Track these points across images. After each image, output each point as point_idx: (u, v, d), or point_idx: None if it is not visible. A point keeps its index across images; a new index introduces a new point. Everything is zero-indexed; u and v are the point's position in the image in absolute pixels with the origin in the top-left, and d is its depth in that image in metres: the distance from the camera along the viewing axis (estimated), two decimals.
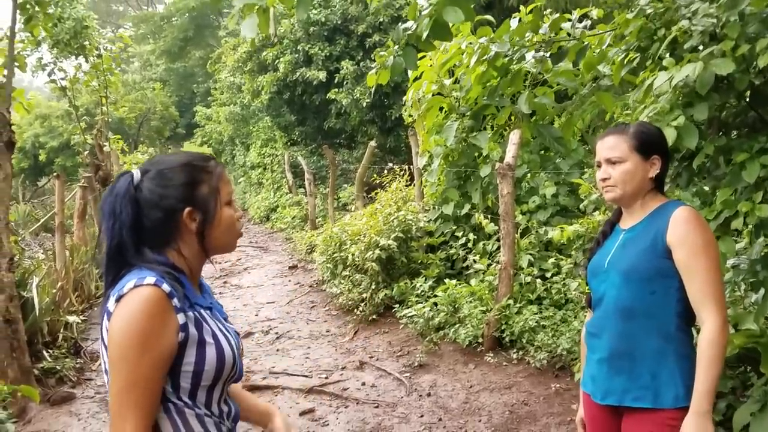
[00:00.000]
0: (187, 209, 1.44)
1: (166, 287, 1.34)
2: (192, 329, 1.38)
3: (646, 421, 1.87)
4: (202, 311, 1.44)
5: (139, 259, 1.39)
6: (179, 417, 1.39)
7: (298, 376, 5.10)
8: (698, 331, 1.81)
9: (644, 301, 1.87)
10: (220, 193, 1.49)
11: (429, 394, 4.51)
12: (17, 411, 4.18)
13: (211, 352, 1.40)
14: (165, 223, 1.43)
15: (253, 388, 4.84)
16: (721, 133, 2.50)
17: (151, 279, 1.34)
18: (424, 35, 2.69)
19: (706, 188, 2.53)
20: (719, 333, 1.77)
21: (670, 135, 2.27)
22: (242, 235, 1.57)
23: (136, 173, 1.44)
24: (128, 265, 1.39)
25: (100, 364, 5.09)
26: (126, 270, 1.39)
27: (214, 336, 1.43)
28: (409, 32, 2.83)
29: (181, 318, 1.36)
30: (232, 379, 1.50)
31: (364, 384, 4.82)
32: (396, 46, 3.01)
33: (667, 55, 2.49)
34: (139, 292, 1.32)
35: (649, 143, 1.93)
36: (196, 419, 1.42)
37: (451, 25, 2.84)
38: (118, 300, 1.33)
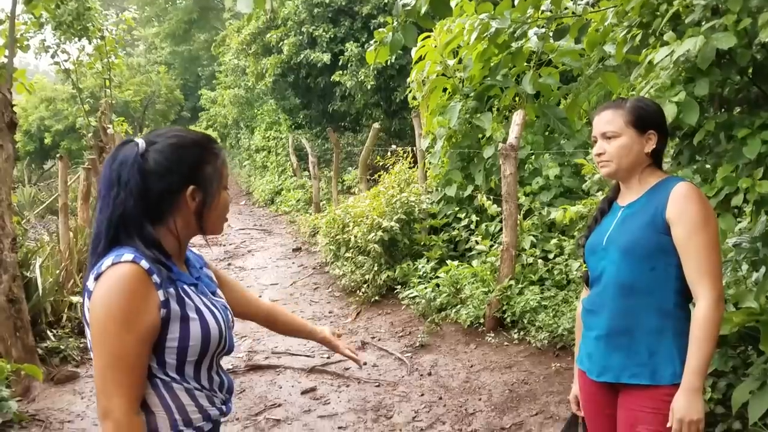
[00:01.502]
0: (191, 188, 1.43)
1: (144, 264, 1.33)
2: (174, 305, 1.38)
3: (644, 398, 1.86)
4: (185, 287, 1.43)
5: (135, 235, 1.37)
6: (167, 392, 1.40)
7: (300, 356, 5.13)
8: None
9: (644, 277, 1.86)
10: (221, 176, 1.49)
11: (430, 374, 4.52)
12: (21, 390, 4.22)
13: (195, 328, 1.40)
14: (166, 197, 1.42)
15: (256, 368, 4.88)
16: (722, 110, 2.47)
17: (129, 256, 1.33)
18: (423, 10, 2.66)
19: (708, 165, 2.50)
20: (713, 310, 1.75)
21: (670, 111, 2.25)
22: (227, 220, 1.57)
23: (141, 143, 1.42)
24: (118, 242, 1.38)
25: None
26: (111, 250, 1.37)
27: (198, 311, 1.42)
28: (408, 8, 2.80)
29: (161, 294, 1.35)
30: (221, 353, 1.50)
31: (365, 364, 4.84)
32: (395, 23, 2.99)
33: (669, 30, 2.45)
34: (117, 269, 1.32)
35: (645, 118, 1.90)
36: (186, 393, 1.42)
37: (453, 2, 2.81)
38: (97, 278, 1.33)
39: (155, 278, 1.34)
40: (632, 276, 1.87)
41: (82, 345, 5.10)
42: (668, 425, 1.79)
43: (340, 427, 3.85)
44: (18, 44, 5.07)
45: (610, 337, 1.92)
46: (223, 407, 1.51)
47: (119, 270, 1.31)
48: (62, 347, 4.93)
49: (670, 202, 1.83)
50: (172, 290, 1.38)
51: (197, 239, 1.56)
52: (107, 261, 1.33)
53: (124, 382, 1.31)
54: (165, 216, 1.43)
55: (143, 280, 1.32)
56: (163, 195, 1.41)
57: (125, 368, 1.31)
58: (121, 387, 1.30)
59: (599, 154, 1.94)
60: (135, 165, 1.38)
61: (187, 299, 1.41)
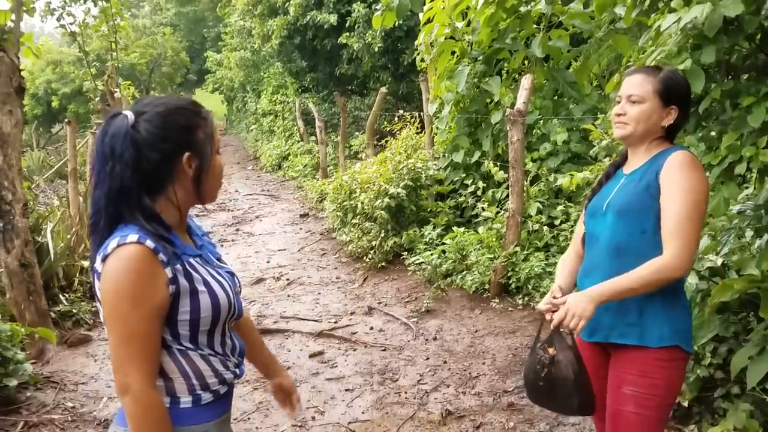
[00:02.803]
0: (186, 154, 1.43)
1: (150, 243, 1.34)
2: (182, 281, 1.40)
3: (631, 360, 1.91)
4: (191, 260, 1.45)
5: (135, 209, 1.38)
6: (184, 359, 1.44)
7: (308, 320, 5.21)
8: (701, 277, 1.80)
9: (635, 239, 1.89)
10: (213, 140, 1.49)
11: (435, 338, 4.60)
12: (35, 352, 4.32)
13: (205, 300, 1.43)
14: (163, 166, 1.41)
15: (265, 332, 4.96)
16: (729, 77, 2.45)
17: (134, 236, 1.34)
18: None
19: (713, 133, 2.50)
20: (670, 270, 1.79)
21: None
22: (220, 185, 1.56)
23: (130, 114, 1.41)
24: (121, 219, 1.38)
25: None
26: (113, 227, 1.38)
27: (206, 283, 1.45)
28: None
29: (169, 272, 1.37)
30: (232, 319, 1.54)
31: (372, 328, 4.92)
32: None
33: None
34: (123, 250, 1.33)
35: (672, 92, 1.92)
36: (201, 359, 1.46)
37: None
38: (104, 260, 1.35)
39: (161, 256, 1.35)
40: (624, 238, 1.92)
41: (94, 309, 5.20)
42: (545, 309, 1.94)
43: (347, 390, 3.93)
44: (24, 8, 5.03)
45: None
46: (237, 370, 1.56)
47: (125, 251, 1.33)
48: (74, 311, 5.04)
49: (664, 167, 1.87)
50: (179, 266, 1.40)
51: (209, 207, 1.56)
52: (113, 242, 1.34)
53: (139, 358, 1.35)
54: (165, 186, 1.44)
55: (150, 260, 1.34)
56: (159, 164, 1.41)
57: (138, 346, 1.34)
58: (136, 364, 1.35)
59: (619, 114, 1.96)
60: (127, 136, 1.37)
61: (194, 273, 1.43)
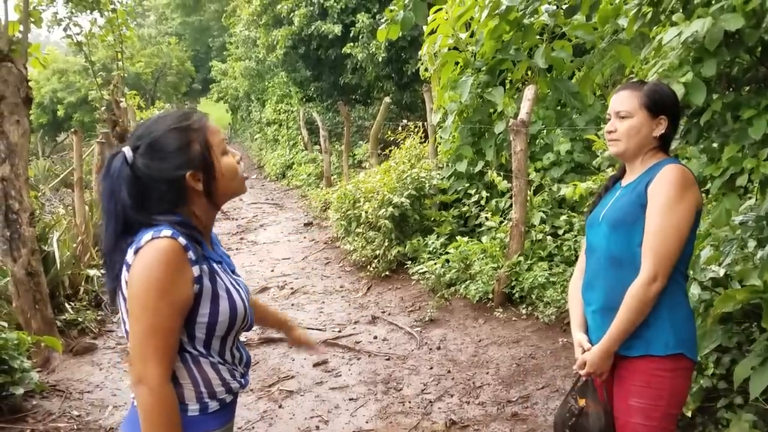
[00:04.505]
0: (189, 173, 1.46)
1: (182, 240, 1.39)
2: (206, 282, 1.44)
3: (636, 371, 1.93)
4: (214, 265, 1.50)
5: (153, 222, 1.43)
6: (195, 365, 1.48)
7: (312, 329, 5.22)
8: (704, 287, 1.81)
9: (630, 251, 1.92)
10: (212, 146, 1.50)
11: (439, 348, 4.60)
12: (41, 361, 4.34)
13: (224, 305, 1.47)
14: (171, 191, 1.46)
15: (269, 341, 4.97)
16: (730, 89, 2.47)
17: (167, 232, 1.39)
18: None
19: (715, 144, 2.52)
20: (644, 287, 1.84)
21: (677, 91, 2.26)
22: (248, 177, 1.60)
23: (128, 151, 1.45)
24: (142, 226, 1.43)
25: (119, 316, 5.23)
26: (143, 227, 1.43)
27: (227, 290, 1.49)
28: None
29: (195, 270, 1.41)
30: (243, 329, 1.58)
31: (376, 337, 4.93)
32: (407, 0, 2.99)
33: (680, 9, 2.45)
34: (156, 243, 1.38)
35: (659, 102, 1.95)
36: (211, 367, 1.50)
37: None
38: (136, 252, 1.39)
39: (191, 254, 1.40)
40: (619, 250, 1.94)
41: (99, 318, 5.22)
42: (579, 370, 1.99)
43: (351, 399, 3.94)
44: (32, 18, 5.08)
45: (605, 311, 1.97)
46: (242, 380, 1.60)
47: (158, 244, 1.38)
48: (80, 319, 5.05)
49: (653, 181, 1.90)
50: (205, 267, 1.45)
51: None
52: (147, 236, 1.39)
53: (160, 349, 1.38)
54: (179, 204, 1.48)
55: (180, 256, 1.39)
56: (168, 192, 1.45)
57: (162, 336, 1.38)
58: (157, 354, 1.38)
59: (610, 132, 2.01)
60: (122, 177, 1.43)
61: (218, 277, 1.48)
